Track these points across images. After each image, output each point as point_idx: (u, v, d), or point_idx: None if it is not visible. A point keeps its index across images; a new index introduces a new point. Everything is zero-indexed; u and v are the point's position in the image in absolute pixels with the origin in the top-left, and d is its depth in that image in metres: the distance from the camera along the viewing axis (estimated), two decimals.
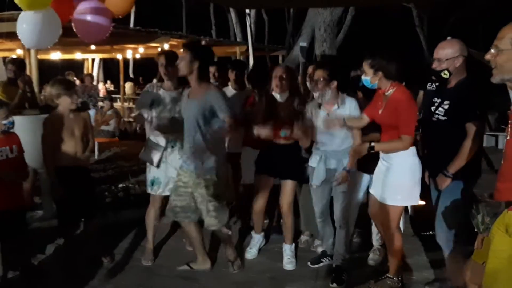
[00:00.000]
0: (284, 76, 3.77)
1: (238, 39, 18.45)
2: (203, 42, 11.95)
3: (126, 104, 14.71)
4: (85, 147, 3.81)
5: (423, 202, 3.75)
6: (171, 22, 21.08)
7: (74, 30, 3.75)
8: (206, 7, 23.32)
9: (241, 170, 4.56)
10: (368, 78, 3.32)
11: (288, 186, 3.87)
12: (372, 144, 3.28)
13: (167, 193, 3.81)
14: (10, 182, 3.46)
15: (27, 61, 6.42)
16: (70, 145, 3.70)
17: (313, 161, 3.77)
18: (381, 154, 3.40)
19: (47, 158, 3.67)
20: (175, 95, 3.83)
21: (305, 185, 4.11)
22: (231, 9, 18.87)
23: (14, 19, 6.65)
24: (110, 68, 23.67)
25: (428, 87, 3.76)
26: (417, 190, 3.33)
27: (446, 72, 3.11)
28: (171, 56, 3.85)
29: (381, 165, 3.40)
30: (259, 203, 3.98)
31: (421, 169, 3.31)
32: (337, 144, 3.66)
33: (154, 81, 4.44)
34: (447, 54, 3.09)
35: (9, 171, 3.45)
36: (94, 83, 12.48)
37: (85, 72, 14.49)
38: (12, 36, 6.51)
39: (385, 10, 18.18)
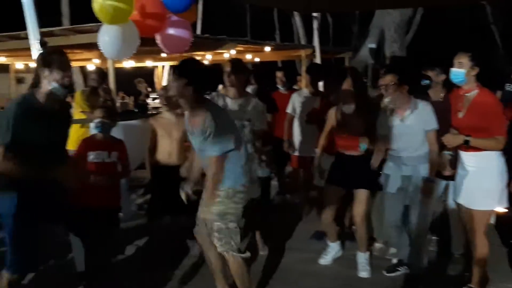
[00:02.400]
0: (348, 87, 3.70)
1: (302, 43, 18.41)
2: (268, 48, 12.06)
3: None
4: (183, 149, 4.00)
5: (506, 210, 3.56)
6: (235, 28, 21.41)
7: (158, 43, 3.91)
8: (270, 12, 23.48)
9: (312, 174, 4.54)
10: (461, 70, 3.17)
11: (361, 196, 3.78)
12: (467, 138, 3.13)
13: None
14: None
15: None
16: (166, 145, 3.98)
17: (387, 168, 3.67)
18: (464, 160, 3.26)
19: (147, 155, 4.05)
20: (241, 102, 3.83)
21: (378, 192, 4.01)
22: (295, 13, 18.88)
23: (93, 31, 7.05)
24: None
25: (507, 88, 3.58)
26: (506, 192, 3.20)
27: None
28: (237, 64, 3.89)
29: (464, 171, 3.26)
30: (328, 214, 3.91)
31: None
32: (412, 150, 3.55)
33: (220, 87, 4.51)
34: None
35: (102, 175, 3.60)
36: None
37: (156, 79, 15.00)
38: (90, 46, 6.92)
39: (456, 7, 17.42)
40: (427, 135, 3.50)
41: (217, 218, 3.01)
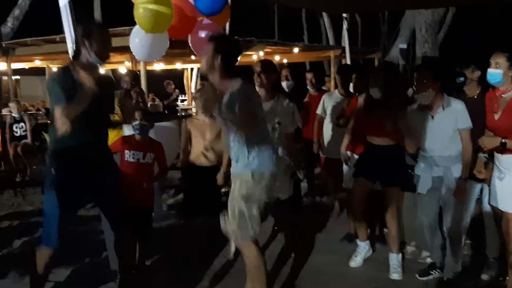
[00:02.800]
0: (379, 71, 3.68)
1: (331, 43, 18.30)
2: (296, 49, 12.05)
3: None
4: (216, 151, 4.07)
5: None
6: (263, 29, 21.43)
7: (190, 45, 3.97)
8: (298, 12, 23.42)
9: (341, 175, 4.53)
10: (499, 71, 3.10)
11: (392, 193, 3.74)
12: (504, 140, 3.05)
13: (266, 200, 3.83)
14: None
15: None
16: (199, 146, 4.06)
17: (418, 169, 3.62)
18: (500, 162, 3.18)
19: (181, 154, 4.17)
20: (272, 104, 3.81)
21: (409, 194, 3.96)
22: (323, 14, 18.79)
23: (125, 34, 7.19)
24: (206, 78, 24.58)
25: None
26: None
27: None
28: (267, 64, 3.87)
29: (500, 173, 3.18)
30: (358, 208, 3.87)
31: None
32: (443, 149, 3.48)
33: None
34: None
35: (135, 174, 3.67)
36: (193, 91, 13.10)
37: (185, 81, 15.17)
38: (122, 49, 7.07)
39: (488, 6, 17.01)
40: (460, 134, 3.44)
41: (242, 202, 2.89)
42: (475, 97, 3.78)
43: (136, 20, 3.35)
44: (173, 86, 12.08)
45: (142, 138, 3.77)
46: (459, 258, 3.64)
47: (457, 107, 3.45)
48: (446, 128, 3.45)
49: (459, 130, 3.43)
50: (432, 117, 3.48)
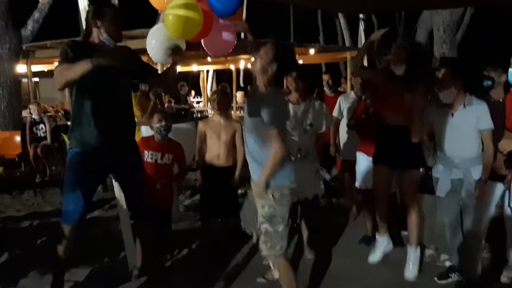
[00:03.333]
0: (402, 50, 3.64)
1: (347, 44, 18.21)
2: (312, 51, 12.01)
3: (238, 113, 15.28)
4: (231, 152, 4.11)
5: None
6: (278, 30, 21.39)
7: (203, 46, 3.98)
8: (314, 13, 23.36)
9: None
10: None
11: (411, 176, 3.68)
12: None
13: (294, 200, 3.82)
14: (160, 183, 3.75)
15: None
16: (214, 147, 4.10)
17: (437, 171, 3.58)
18: None
19: (197, 155, 4.21)
20: (304, 107, 3.84)
21: (428, 196, 3.92)
22: (339, 14, 18.70)
23: (143, 36, 7.24)
24: (221, 79, 24.70)
25: None
26: None
27: None
28: (302, 70, 3.91)
29: None
30: (381, 198, 3.81)
31: None
32: (463, 150, 3.44)
33: None
34: None
35: (154, 175, 3.71)
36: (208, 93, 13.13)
37: (201, 83, 15.23)
38: (139, 52, 7.12)
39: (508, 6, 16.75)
40: (482, 135, 3.39)
41: (265, 221, 2.96)
42: (501, 100, 3.74)
43: (166, 27, 3.37)
44: (187, 88, 12.11)
45: (162, 139, 3.81)
46: (478, 261, 3.60)
47: (479, 107, 3.39)
48: (465, 127, 3.40)
49: (481, 131, 3.38)
50: (452, 114, 3.44)
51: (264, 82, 2.87)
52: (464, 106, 3.39)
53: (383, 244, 3.99)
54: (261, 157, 2.87)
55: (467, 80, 3.49)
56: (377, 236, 4.05)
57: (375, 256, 3.97)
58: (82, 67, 2.71)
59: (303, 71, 3.84)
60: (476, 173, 3.43)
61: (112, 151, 3.05)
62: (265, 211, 2.94)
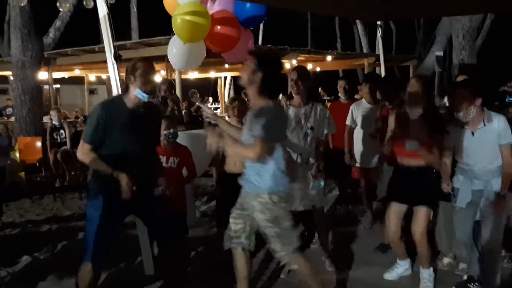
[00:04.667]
0: (417, 89, 3.53)
1: (364, 51, 18.14)
2: (329, 57, 12.02)
3: None
4: None
5: None
6: (296, 37, 21.46)
7: (223, 55, 4.03)
8: (331, 20, 23.36)
9: (374, 185, 4.47)
10: None
11: (420, 213, 3.61)
12: None
13: (301, 208, 3.82)
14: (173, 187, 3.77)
15: None
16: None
17: (457, 181, 3.53)
18: None
19: (213, 161, 4.25)
20: (305, 110, 3.84)
21: (446, 204, 3.86)
22: (357, 21, 18.66)
23: (161, 44, 7.35)
24: (238, 86, 24.80)
25: None
26: None
27: None
28: (303, 71, 3.89)
29: None
30: (393, 232, 3.77)
31: None
32: (485, 163, 3.39)
33: (280, 96, 4.53)
34: None
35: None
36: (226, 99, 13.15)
37: (219, 90, 15.28)
38: (158, 59, 7.23)
39: None
40: (501, 149, 3.34)
41: (270, 225, 2.95)
42: None
43: (174, 30, 3.43)
44: (198, 95, 12.12)
45: (167, 144, 3.84)
46: (498, 271, 3.53)
47: (499, 122, 3.34)
48: (487, 143, 3.36)
49: (500, 146, 3.34)
50: (473, 133, 3.39)
51: (255, 94, 2.90)
52: (484, 124, 3.35)
53: (402, 268, 3.92)
54: (255, 167, 2.93)
55: (488, 97, 3.43)
56: (398, 260, 3.96)
57: (391, 275, 3.90)
58: (103, 169, 2.99)
59: (304, 74, 3.82)
60: (497, 184, 3.38)
61: (134, 192, 3.08)
62: (267, 216, 2.93)
